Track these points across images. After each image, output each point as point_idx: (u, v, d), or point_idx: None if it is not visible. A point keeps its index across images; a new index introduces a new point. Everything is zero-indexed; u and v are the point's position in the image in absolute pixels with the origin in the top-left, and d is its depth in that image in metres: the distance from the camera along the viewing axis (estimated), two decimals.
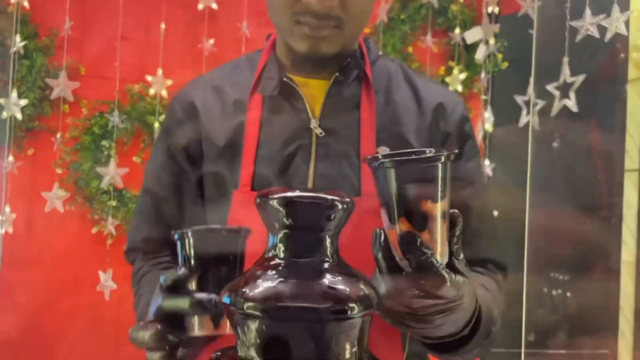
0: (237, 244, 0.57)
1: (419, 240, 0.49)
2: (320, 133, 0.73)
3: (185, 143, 0.77)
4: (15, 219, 1.77)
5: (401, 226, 0.50)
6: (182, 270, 0.55)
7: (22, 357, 1.82)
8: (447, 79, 1.92)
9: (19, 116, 1.73)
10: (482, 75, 1.94)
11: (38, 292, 1.80)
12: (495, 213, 2.00)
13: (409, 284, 0.50)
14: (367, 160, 0.52)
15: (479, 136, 1.94)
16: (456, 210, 0.52)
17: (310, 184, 0.72)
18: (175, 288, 0.54)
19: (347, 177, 0.72)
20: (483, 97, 1.96)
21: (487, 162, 1.93)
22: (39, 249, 1.83)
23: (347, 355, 0.44)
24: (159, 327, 0.53)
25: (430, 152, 0.51)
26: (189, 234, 0.56)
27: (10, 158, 1.76)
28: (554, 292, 1.87)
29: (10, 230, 1.76)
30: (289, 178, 0.72)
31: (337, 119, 0.74)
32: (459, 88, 1.90)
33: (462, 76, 1.90)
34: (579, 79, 1.54)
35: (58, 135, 1.79)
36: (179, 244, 0.57)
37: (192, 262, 0.56)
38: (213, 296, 0.53)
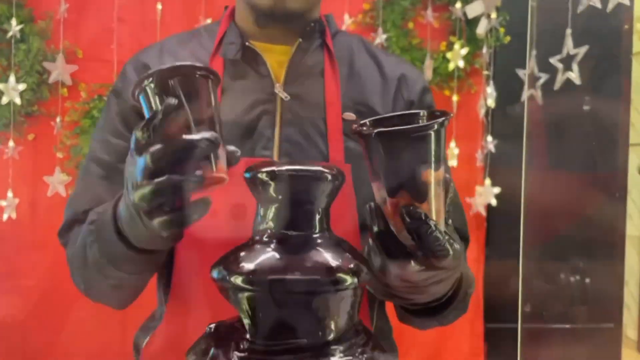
0: (207, 84, 0.51)
1: (423, 213, 0.47)
2: (286, 97, 0.73)
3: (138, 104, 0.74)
4: (19, 204, 1.77)
5: (402, 199, 0.48)
6: (171, 100, 0.47)
7: (30, 339, 1.84)
8: (449, 55, 1.89)
9: (18, 101, 1.72)
10: (484, 50, 1.91)
11: (44, 275, 1.81)
12: (497, 190, 1.98)
13: (411, 258, 0.49)
14: (360, 130, 0.49)
15: (481, 112, 1.92)
16: (447, 175, 0.51)
17: (276, 149, 0.71)
18: (157, 136, 0.47)
19: (314, 143, 0.72)
20: (485, 72, 1.93)
21: (489, 138, 1.91)
22: (43, 233, 1.83)
23: (340, 327, 0.44)
24: (163, 179, 0.46)
25: (423, 115, 0.49)
26: (150, 79, 0.48)
27: (11, 143, 1.76)
28: (556, 267, 1.87)
29: (14, 215, 1.76)
30: (253, 143, 0.71)
31: (301, 84, 0.74)
32: (461, 64, 1.87)
33: (464, 51, 1.88)
34: (582, 50, 1.51)
35: (58, 119, 1.78)
36: (141, 99, 0.50)
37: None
38: (211, 132, 0.48)
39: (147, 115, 0.50)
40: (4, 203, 1.75)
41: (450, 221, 0.51)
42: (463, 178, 1.97)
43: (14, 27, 1.73)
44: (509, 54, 1.93)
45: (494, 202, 1.88)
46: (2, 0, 1.74)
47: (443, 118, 0.47)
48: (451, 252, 0.49)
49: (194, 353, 0.44)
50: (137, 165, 0.48)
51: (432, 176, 0.47)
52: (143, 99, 0.50)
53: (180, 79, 0.49)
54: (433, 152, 0.47)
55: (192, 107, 0.49)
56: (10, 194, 1.76)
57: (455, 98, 1.92)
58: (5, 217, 1.75)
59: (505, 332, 1.95)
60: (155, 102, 0.49)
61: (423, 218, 0.47)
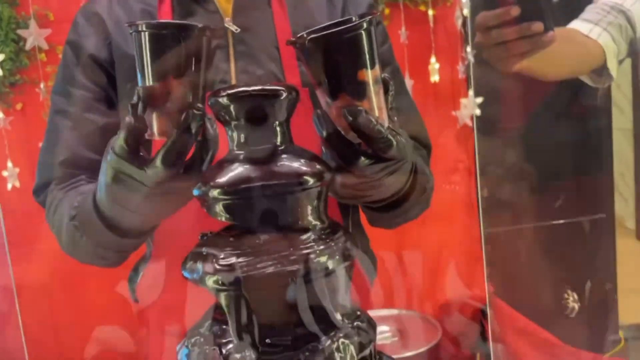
0: (201, 42, 0.52)
1: (363, 110, 0.52)
2: (236, 29, 0.75)
3: (95, 52, 0.77)
4: (20, 172, 1.82)
5: (342, 101, 0.52)
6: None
7: (55, 299, 1.94)
8: None
9: (0, 72, 1.74)
10: None
11: (55, 238, 1.89)
12: (480, 100, 1.99)
13: (360, 154, 0.54)
14: (293, 42, 0.53)
15: (458, 22, 1.92)
16: (386, 75, 0.55)
17: (233, 82, 0.75)
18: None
19: (270, 71, 0.76)
20: None
21: (468, 48, 1.92)
22: None
23: (309, 223, 0.50)
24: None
25: (355, 19, 0.53)
26: (144, 26, 0.50)
27: (1, 115, 1.79)
28: (542, 165, 1.92)
29: (17, 184, 1.82)
30: (210, 79, 0.74)
31: (250, 16, 0.77)
32: None
33: None
34: None
35: (42, 85, 1.80)
36: (134, 38, 0.51)
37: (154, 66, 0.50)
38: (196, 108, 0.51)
39: (136, 56, 0.52)
40: (5, 173, 1.80)
41: (395, 118, 0.56)
42: (447, 92, 2.00)
43: None
44: None
45: (477, 112, 1.92)
46: None
47: (370, 16, 0.51)
48: (394, 142, 0.53)
49: (191, 258, 0.51)
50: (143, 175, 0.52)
51: (369, 75, 0.51)
52: (135, 40, 0.52)
53: (171, 33, 0.51)
54: (366, 51, 0.51)
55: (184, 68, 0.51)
56: (10, 164, 1.81)
57: (431, 12, 1.91)
58: (9, 186, 1.81)
59: (502, 236, 2.03)
60: (146, 52, 0.51)
61: (364, 114, 0.51)
